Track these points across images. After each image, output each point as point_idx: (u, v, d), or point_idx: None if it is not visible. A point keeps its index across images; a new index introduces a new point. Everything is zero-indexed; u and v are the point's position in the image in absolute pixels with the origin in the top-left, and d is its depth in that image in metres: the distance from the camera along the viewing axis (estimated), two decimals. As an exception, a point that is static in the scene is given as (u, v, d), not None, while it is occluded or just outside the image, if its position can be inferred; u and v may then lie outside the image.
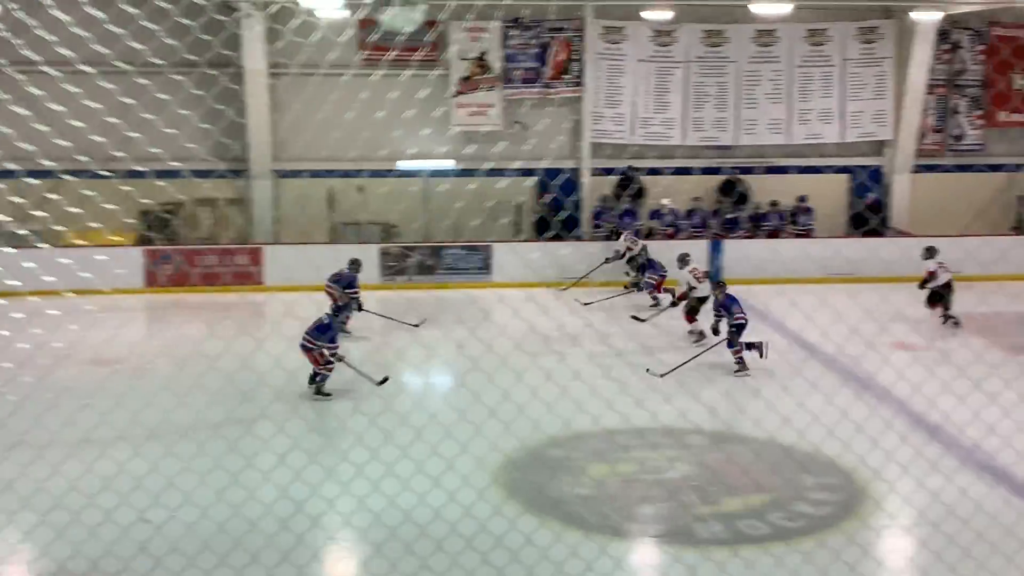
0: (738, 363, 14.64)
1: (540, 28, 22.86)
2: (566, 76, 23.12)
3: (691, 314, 16.69)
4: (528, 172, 22.28)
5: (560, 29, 22.99)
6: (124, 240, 20.15)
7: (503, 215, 22.41)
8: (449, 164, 22.64)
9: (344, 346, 14.70)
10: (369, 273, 20.52)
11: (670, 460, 11.44)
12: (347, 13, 20.32)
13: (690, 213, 23.62)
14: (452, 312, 18.64)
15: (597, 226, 23.14)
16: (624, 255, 20.40)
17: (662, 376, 14.20)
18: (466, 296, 20.04)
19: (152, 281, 20.57)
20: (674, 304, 17.06)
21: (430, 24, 20.47)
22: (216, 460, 9.79)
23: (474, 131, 22.84)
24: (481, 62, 22.75)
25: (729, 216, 23.52)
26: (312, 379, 14.04)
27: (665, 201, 23.35)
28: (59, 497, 8.68)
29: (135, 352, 16.12)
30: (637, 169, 23.19)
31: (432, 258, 21.62)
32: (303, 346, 13.91)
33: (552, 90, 23.17)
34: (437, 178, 22.51)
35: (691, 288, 16.58)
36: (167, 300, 20.07)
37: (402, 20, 18.01)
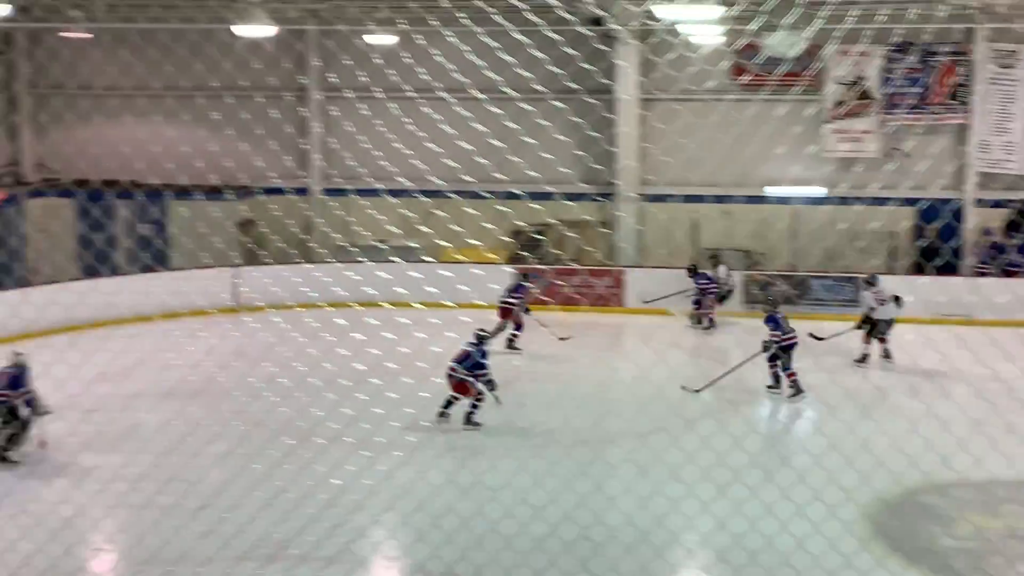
0: (773, 379, 14.95)
1: (926, 52, 21.70)
2: (952, 102, 21.78)
3: (868, 334, 16.77)
4: (906, 201, 21.16)
5: (948, 53, 21.71)
6: (498, 258, 21.02)
7: (877, 246, 21.44)
8: (820, 192, 21.96)
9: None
10: (732, 300, 20.35)
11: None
12: (722, 40, 20.28)
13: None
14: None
15: (983, 261, 21.57)
16: (720, 286, 19.94)
17: (697, 391, 14.44)
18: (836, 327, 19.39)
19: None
20: (858, 327, 16.82)
21: (811, 49, 20.00)
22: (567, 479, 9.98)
23: (848, 158, 22.01)
24: (858, 87, 21.92)
25: None
26: (444, 409, 13.45)
27: (1064, 238, 21.40)
28: (423, 501, 9.12)
29: (501, 367, 16.75)
30: (1029, 203, 21.47)
31: (798, 288, 20.98)
32: (454, 377, 13.36)
33: (935, 116, 21.89)
34: (807, 206, 21.93)
35: (871, 309, 16.67)
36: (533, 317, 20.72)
37: (786, 45, 17.72)
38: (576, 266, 21.65)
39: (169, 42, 18.98)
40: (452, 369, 13.27)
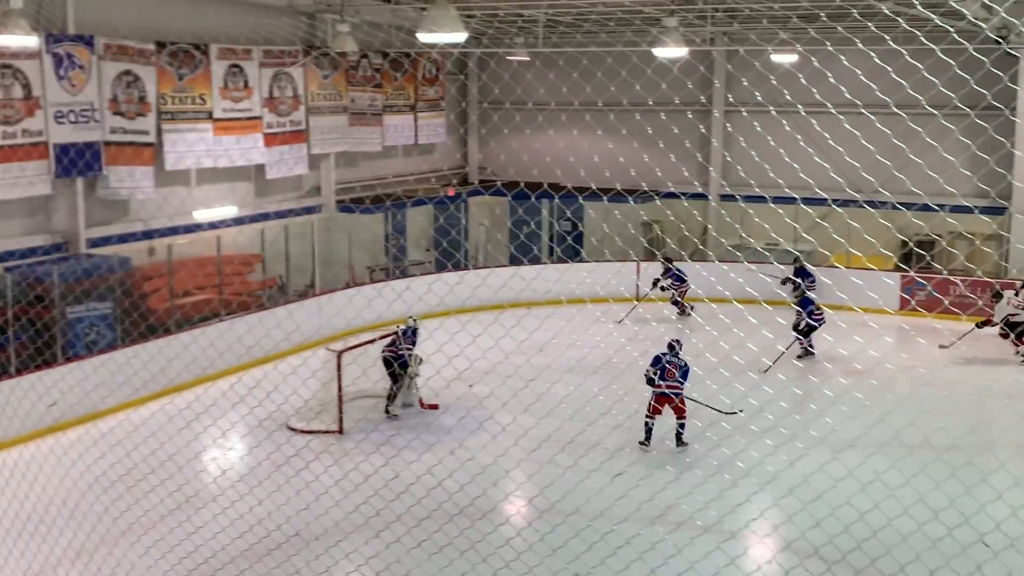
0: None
1: None
2: None
3: (1020, 338, 16.75)
4: None
5: None
6: (882, 266, 19.47)
7: None
8: None
9: None
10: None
11: None
12: None
13: None
14: None
15: None
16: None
17: (764, 372, 14.38)
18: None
19: (904, 305, 19.74)
20: (1002, 333, 16.78)
21: None
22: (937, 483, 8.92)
23: None
24: None
25: None
26: (648, 435, 12.33)
27: None
28: (820, 490, 8.48)
29: (881, 366, 15.53)
30: None
31: None
32: (664, 395, 12.22)
33: None
34: None
35: (1011, 314, 16.58)
36: (916, 323, 19.03)
37: None
38: (962, 276, 19.64)
39: (615, 65, 19.16)
40: (667, 386, 12.30)
